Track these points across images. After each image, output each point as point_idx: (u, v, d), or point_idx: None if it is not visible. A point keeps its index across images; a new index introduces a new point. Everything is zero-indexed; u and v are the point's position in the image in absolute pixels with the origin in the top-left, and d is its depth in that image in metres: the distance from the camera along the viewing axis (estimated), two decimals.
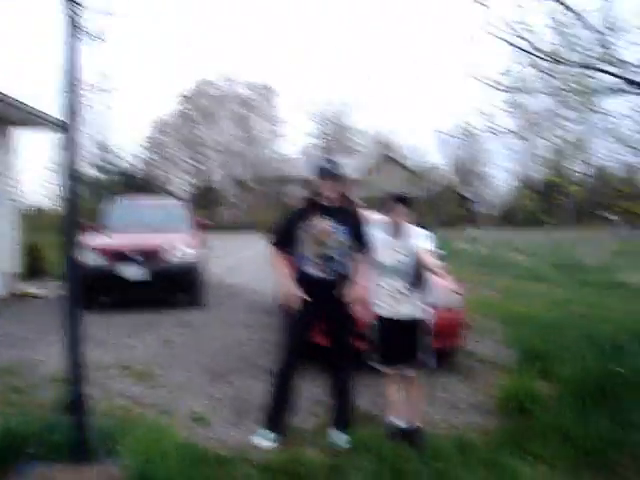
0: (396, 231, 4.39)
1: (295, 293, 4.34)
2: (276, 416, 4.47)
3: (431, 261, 4.20)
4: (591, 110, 6.37)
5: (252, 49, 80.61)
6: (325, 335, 4.56)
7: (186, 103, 48.13)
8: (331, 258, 4.37)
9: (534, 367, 5.69)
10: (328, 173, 4.39)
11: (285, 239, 4.49)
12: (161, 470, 3.37)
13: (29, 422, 3.99)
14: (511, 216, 42.66)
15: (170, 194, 35.04)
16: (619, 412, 4.52)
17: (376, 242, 4.43)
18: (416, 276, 4.32)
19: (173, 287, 9.67)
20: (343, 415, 4.50)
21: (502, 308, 10.07)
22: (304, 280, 4.40)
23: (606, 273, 14.98)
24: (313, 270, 4.39)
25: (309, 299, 4.34)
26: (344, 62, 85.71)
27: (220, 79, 47.99)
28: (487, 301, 10.72)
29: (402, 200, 4.39)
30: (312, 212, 4.41)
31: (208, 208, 37.64)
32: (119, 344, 7.23)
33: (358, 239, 4.43)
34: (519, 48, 6.31)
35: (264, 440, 4.34)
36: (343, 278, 4.39)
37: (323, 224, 4.36)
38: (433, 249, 4.50)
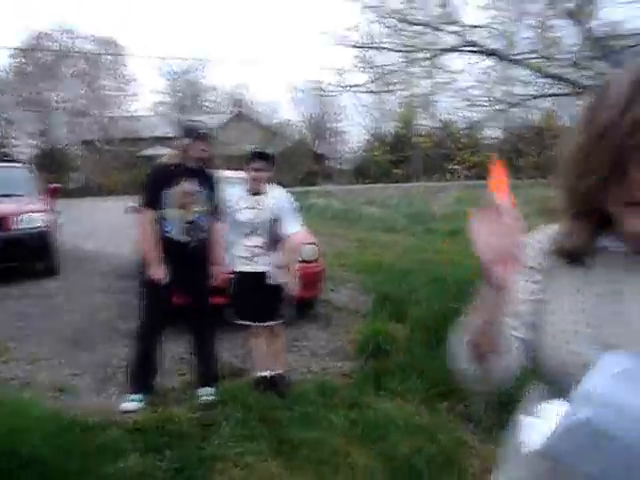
0: (254, 188, 4.47)
1: (159, 270, 4.29)
2: (141, 378, 4.48)
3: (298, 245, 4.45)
4: (435, 67, 6.75)
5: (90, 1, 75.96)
6: (185, 295, 4.58)
7: (22, 57, 44.60)
8: (194, 222, 4.39)
9: (388, 311, 6.07)
10: (198, 134, 4.35)
11: (153, 200, 4.35)
12: (26, 441, 3.32)
13: None
14: (364, 171, 43.94)
15: (11, 158, 32.70)
16: None
17: (234, 198, 4.50)
18: (272, 232, 4.45)
19: (23, 256, 9.18)
20: (209, 371, 4.60)
21: (357, 258, 10.54)
22: (167, 243, 4.36)
23: (450, 221, 16.00)
24: (176, 234, 4.37)
25: (170, 265, 4.33)
26: (196, 15, 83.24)
27: (59, 32, 44.88)
28: (342, 252, 11.15)
29: (260, 156, 4.43)
30: (178, 174, 4.35)
31: (55, 172, 35.54)
32: None
33: (216, 202, 4.49)
34: (367, 6, 6.51)
35: (131, 403, 4.34)
36: (204, 242, 4.44)
37: (188, 187, 4.33)
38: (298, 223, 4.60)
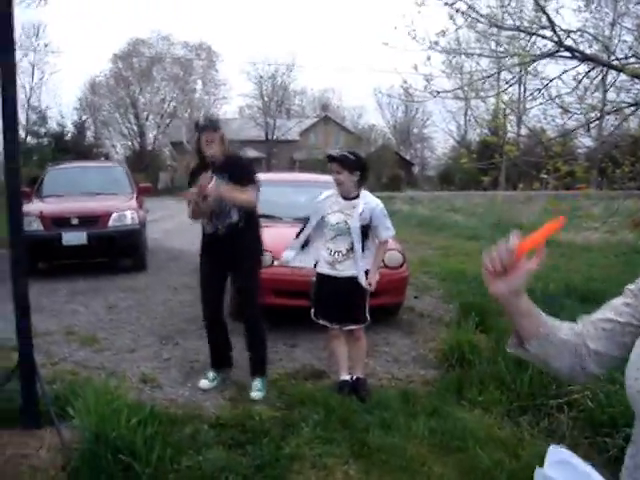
0: (343, 192, 4.46)
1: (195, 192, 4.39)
2: (213, 357, 4.87)
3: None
4: (526, 73, 6.56)
5: (188, 8, 78.42)
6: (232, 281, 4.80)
7: (119, 62, 46.54)
8: (222, 211, 4.47)
9: (472, 321, 5.93)
10: (200, 127, 4.45)
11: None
12: (113, 430, 3.42)
13: None
14: (449, 178, 43.37)
15: (106, 157, 34.15)
16: None
17: (326, 201, 4.51)
18: (359, 238, 4.42)
19: (115, 251, 9.59)
20: (256, 358, 4.71)
21: (441, 266, 10.37)
22: (203, 235, 4.65)
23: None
24: (206, 226, 4.57)
25: (208, 254, 4.62)
26: (284, 21, 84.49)
27: (155, 38, 46.58)
28: (426, 260, 11.01)
29: (332, 159, 4.41)
30: (200, 170, 4.49)
31: (145, 171, 36.87)
32: (62, 310, 7.16)
33: (240, 181, 4.43)
34: (456, 10, 6.40)
35: (204, 381, 4.74)
36: (235, 227, 4.49)
37: (204, 180, 4.40)
38: (391, 235, 4.60)
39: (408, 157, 49.62)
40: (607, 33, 7.37)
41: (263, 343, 4.74)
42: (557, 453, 1.23)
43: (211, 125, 4.43)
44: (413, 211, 21.24)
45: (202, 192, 4.34)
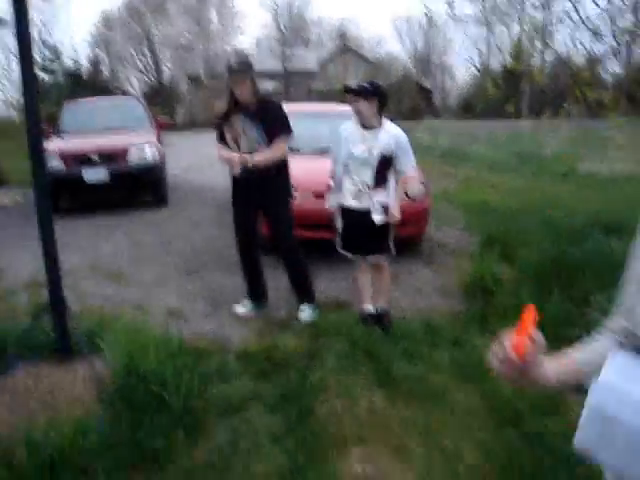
0: (363, 121, 4.39)
1: (234, 158, 4.49)
2: (250, 288, 5.00)
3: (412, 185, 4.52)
4: None
5: None
6: (264, 220, 4.92)
7: None
8: (247, 154, 4.50)
9: (495, 252, 5.92)
10: (231, 69, 4.39)
11: (220, 137, 4.68)
12: (143, 362, 3.51)
13: (9, 326, 4.06)
14: (471, 107, 42.53)
15: (123, 92, 33.86)
16: (572, 291, 4.79)
17: (347, 131, 4.45)
18: (382, 168, 4.38)
19: (136, 187, 9.64)
20: (304, 291, 4.87)
21: (463, 197, 10.30)
22: (232, 177, 4.70)
23: (561, 162, 15.26)
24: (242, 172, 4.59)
25: (240, 194, 4.72)
26: None
27: None
28: (448, 191, 10.92)
29: (349, 91, 4.34)
30: (231, 112, 4.53)
31: (162, 106, 36.56)
32: (87, 247, 7.25)
33: (274, 131, 4.52)
34: None
35: (240, 307, 4.96)
36: (267, 172, 4.53)
37: (235, 123, 4.49)
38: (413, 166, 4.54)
39: (428, 86, 48.59)
40: None
41: (305, 271, 4.88)
42: (618, 358, 1.08)
43: (242, 68, 4.38)
44: (434, 141, 20.93)
45: (235, 133, 4.45)
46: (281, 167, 4.65)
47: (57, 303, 3.71)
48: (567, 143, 18.64)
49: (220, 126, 4.65)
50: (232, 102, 4.53)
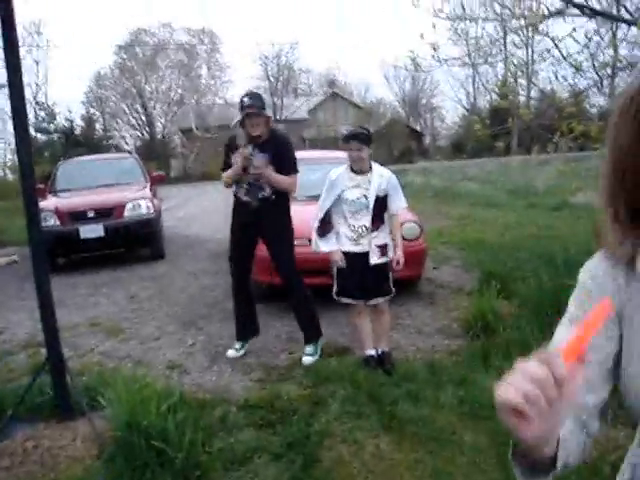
0: (357, 167, 4.44)
1: (242, 153, 4.55)
2: (241, 326, 5.05)
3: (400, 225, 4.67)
4: (536, 33, 6.45)
5: None
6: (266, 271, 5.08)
7: (123, 53, 46.39)
8: (255, 185, 4.63)
9: (494, 288, 5.90)
10: (245, 108, 4.49)
11: (226, 164, 4.76)
12: (144, 417, 3.46)
13: (8, 388, 4.02)
14: (461, 146, 43.00)
15: (117, 149, 34.20)
16: None
17: (339, 177, 4.48)
18: (377, 211, 4.41)
19: (132, 242, 9.64)
20: (310, 329, 4.88)
21: (458, 235, 10.34)
22: (236, 203, 4.79)
23: (553, 195, 15.38)
24: (241, 195, 4.71)
25: (240, 223, 4.78)
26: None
27: (156, 26, 46.29)
28: (444, 230, 10.96)
29: (353, 137, 4.39)
30: (241, 141, 4.64)
31: (156, 160, 36.87)
32: (84, 303, 7.22)
33: (281, 164, 4.63)
34: None
35: (232, 350, 5.00)
36: (269, 201, 4.66)
37: (244, 152, 4.55)
38: (403, 205, 4.63)
39: (418, 128, 49.23)
40: None
41: (310, 304, 4.89)
42: None
43: (256, 106, 4.48)
44: (427, 182, 21.10)
45: (245, 162, 4.53)
46: (281, 196, 4.72)
47: (55, 361, 3.68)
48: (557, 176, 18.81)
49: (228, 155, 4.72)
50: (247, 138, 4.61)
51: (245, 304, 5.01)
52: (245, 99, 4.53)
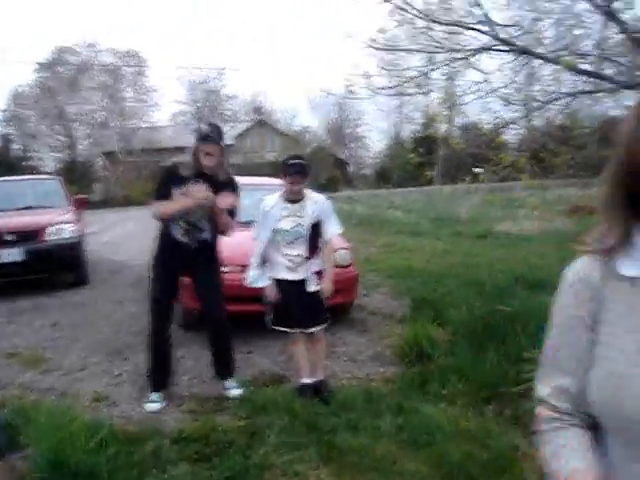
0: (293, 196, 4.39)
1: (197, 193, 4.26)
2: (157, 377, 4.61)
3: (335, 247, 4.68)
4: (466, 67, 6.64)
5: (115, 14, 76.72)
6: (196, 294, 4.69)
7: (44, 72, 45.04)
8: (197, 225, 4.38)
9: (425, 315, 5.96)
10: (202, 136, 4.26)
11: (163, 196, 4.36)
12: (71, 454, 3.26)
13: None
14: (386, 175, 43.84)
15: (36, 171, 33.04)
16: (505, 346, 4.87)
17: (271, 207, 4.42)
18: (312, 238, 4.38)
19: (55, 267, 9.22)
20: (230, 364, 4.68)
21: (386, 263, 10.43)
22: (169, 243, 4.44)
23: (477, 224, 15.82)
24: (178, 235, 4.39)
25: (173, 264, 4.47)
26: (214, 24, 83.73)
27: (81, 46, 45.22)
28: (371, 257, 11.04)
29: (296, 167, 4.33)
30: (186, 177, 4.32)
31: (77, 183, 35.83)
32: (3, 331, 6.83)
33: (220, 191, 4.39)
34: (395, 5, 6.41)
35: (153, 404, 4.48)
36: (206, 243, 4.46)
37: (192, 188, 4.28)
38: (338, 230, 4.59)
39: (343, 157, 49.87)
40: (537, 26, 7.54)
41: (231, 346, 4.68)
42: None
43: (214, 137, 4.24)
44: (353, 210, 21.29)
45: (199, 202, 4.22)
46: (216, 237, 4.55)
47: None
48: (481, 206, 19.41)
49: (168, 184, 4.36)
50: (195, 169, 4.31)
51: (164, 348, 4.62)
52: (203, 126, 4.34)
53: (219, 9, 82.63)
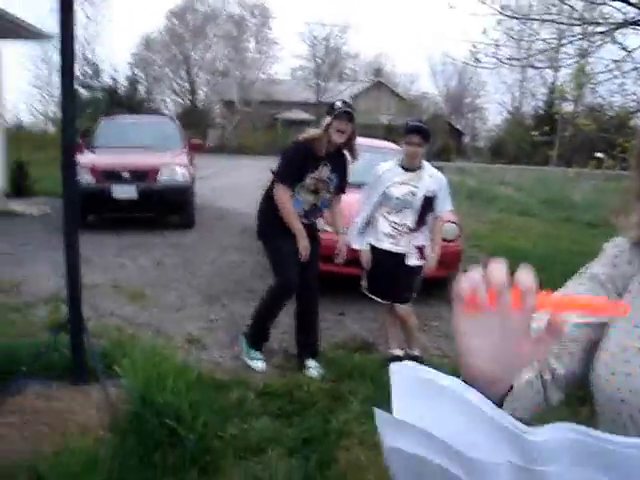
0: (409, 163, 4.25)
1: (306, 243, 4.18)
2: (263, 337, 4.52)
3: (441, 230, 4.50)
4: (603, 42, 6.18)
5: None
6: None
7: (174, 19, 46.37)
8: (318, 207, 4.32)
9: None
10: (337, 112, 4.04)
11: (293, 178, 4.18)
12: (160, 394, 3.34)
13: (26, 342, 3.95)
14: (501, 150, 42.40)
15: (158, 112, 34.27)
16: None
17: (386, 172, 4.30)
18: (421, 211, 4.23)
19: (164, 207, 9.57)
20: (308, 342, 4.47)
21: (491, 240, 10.10)
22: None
23: (590, 210, 15.01)
24: (301, 214, 4.25)
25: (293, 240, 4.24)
26: None
27: None
28: (476, 233, 10.72)
29: (418, 131, 4.17)
30: (319, 159, 4.16)
31: (194, 128, 36.87)
32: (110, 264, 7.16)
33: (342, 185, 4.37)
34: None
35: (258, 361, 4.41)
36: (316, 223, 4.45)
37: (323, 175, 4.19)
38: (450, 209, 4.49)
39: (459, 127, 48.59)
40: None
41: (317, 323, 4.52)
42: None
43: (348, 114, 4.06)
44: (462, 182, 20.77)
45: (320, 185, 4.23)
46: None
47: (75, 323, 3.59)
48: (595, 192, 18.38)
49: (305, 164, 4.15)
50: (324, 144, 4.11)
51: (278, 311, 4.45)
52: (339, 103, 4.15)
53: None
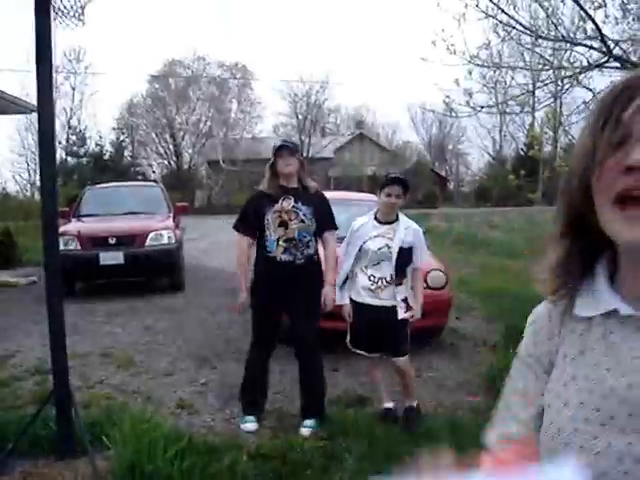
0: (385, 215, 4.27)
1: (243, 302, 4.34)
2: (251, 401, 4.43)
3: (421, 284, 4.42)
4: (571, 85, 6.34)
5: (224, 28, 79.40)
6: (293, 318, 4.38)
7: (155, 83, 47.19)
8: (296, 240, 4.20)
9: (518, 343, 5.67)
10: (281, 148, 4.18)
11: (248, 223, 4.29)
12: (150, 461, 3.28)
13: (12, 417, 3.88)
14: (485, 194, 42.85)
15: (143, 177, 34.57)
16: None
17: (362, 225, 4.32)
18: (399, 263, 4.23)
19: (152, 271, 9.56)
20: (312, 403, 4.35)
21: (481, 285, 10.11)
22: (270, 264, 4.23)
23: None
24: (278, 253, 4.19)
25: (272, 287, 4.24)
26: (318, 39, 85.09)
27: (190, 59, 47.05)
28: (465, 278, 10.73)
29: (397, 182, 4.20)
30: (275, 195, 4.21)
31: (181, 190, 37.14)
32: (98, 331, 7.10)
33: (324, 220, 4.29)
34: (499, 21, 6.22)
35: (250, 424, 4.30)
36: (312, 259, 4.28)
37: (285, 206, 4.19)
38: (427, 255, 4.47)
39: (443, 173, 49.21)
40: None
41: (321, 376, 4.39)
42: None
43: (287, 147, 4.19)
44: (449, 228, 20.91)
45: (285, 216, 4.18)
46: (318, 257, 4.38)
47: (62, 395, 3.54)
48: None
49: (258, 206, 4.25)
50: (276, 183, 4.23)
51: (263, 376, 4.46)
52: (278, 142, 4.30)
53: (327, 25, 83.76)
